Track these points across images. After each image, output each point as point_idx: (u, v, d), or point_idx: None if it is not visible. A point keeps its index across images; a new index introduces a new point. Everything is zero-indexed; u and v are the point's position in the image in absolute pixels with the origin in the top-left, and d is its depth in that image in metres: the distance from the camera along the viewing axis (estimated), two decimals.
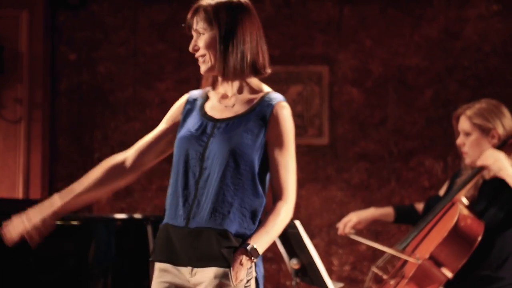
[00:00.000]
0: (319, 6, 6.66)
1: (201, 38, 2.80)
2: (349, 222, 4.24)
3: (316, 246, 3.75)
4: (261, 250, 2.68)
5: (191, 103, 2.95)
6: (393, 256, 4.00)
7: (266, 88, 2.85)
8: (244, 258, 2.65)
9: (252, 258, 2.66)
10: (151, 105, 6.69)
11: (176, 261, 2.76)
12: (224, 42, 2.75)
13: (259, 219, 2.75)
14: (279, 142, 2.74)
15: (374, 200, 6.52)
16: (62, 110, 6.71)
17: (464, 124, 3.92)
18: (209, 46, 2.79)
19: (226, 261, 2.66)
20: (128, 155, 2.96)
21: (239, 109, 2.80)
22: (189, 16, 2.83)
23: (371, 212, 4.28)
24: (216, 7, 2.77)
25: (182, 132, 2.84)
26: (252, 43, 2.78)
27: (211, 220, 2.70)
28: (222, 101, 2.86)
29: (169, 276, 2.78)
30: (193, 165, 2.77)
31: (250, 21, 2.79)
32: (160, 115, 6.59)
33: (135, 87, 6.73)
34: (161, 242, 2.80)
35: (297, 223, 3.62)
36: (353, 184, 6.57)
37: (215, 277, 2.67)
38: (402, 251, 3.86)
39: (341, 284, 3.98)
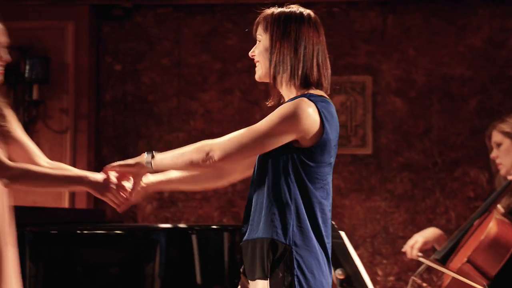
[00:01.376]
0: (362, 16, 6.66)
1: (257, 45, 2.80)
2: (415, 244, 4.04)
3: (360, 257, 3.75)
4: (156, 159, 2.78)
5: None
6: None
7: (308, 91, 2.75)
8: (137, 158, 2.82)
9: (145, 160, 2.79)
10: (195, 115, 6.73)
11: (244, 273, 2.83)
12: (274, 51, 2.73)
13: (296, 225, 2.68)
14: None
15: (419, 210, 6.49)
16: (107, 121, 6.77)
17: (495, 136, 3.98)
18: (261, 53, 2.78)
19: (263, 272, 2.66)
20: None
21: None
22: (255, 23, 2.84)
23: (435, 232, 4.11)
24: (274, 16, 2.76)
25: None
26: (306, 56, 2.72)
27: (249, 232, 2.74)
28: None
29: (242, 285, 2.86)
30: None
31: (308, 33, 2.74)
32: (204, 125, 6.68)
33: (179, 97, 6.77)
34: None
35: (342, 233, 3.63)
36: (397, 195, 6.54)
37: None
38: (467, 275, 3.82)
39: None
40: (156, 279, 4.35)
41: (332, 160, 2.75)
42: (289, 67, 2.72)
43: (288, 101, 2.71)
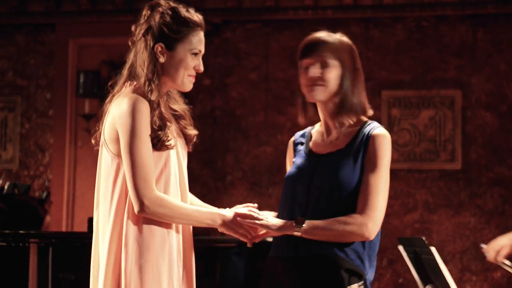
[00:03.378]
0: (452, 30, 6.60)
1: (328, 69, 2.92)
2: (502, 250, 3.79)
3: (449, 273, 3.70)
4: (307, 230, 2.74)
5: (298, 144, 3.05)
6: None
7: (365, 118, 2.93)
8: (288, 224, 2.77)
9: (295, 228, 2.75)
10: (282, 129, 6.76)
11: None
12: (347, 81, 2.89)
13: (364, 247, 2.81)
14: (372, 164, 2.80)
15: (510, 226, 6.37)
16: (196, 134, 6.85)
17: None
18: (336, 80, 2.91)
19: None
20: None
21: (341, 142, 2.88)
22: (311, 42, 2.99)
23: None
24: (342, 44, 2.95)
25: (291, 170, 2.95)
26: (363, 84, 2.95)
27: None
28: (325, 137, 2.95)
29: None
30: (299, 200, 2.85)
31: (360, 63, 2.96)
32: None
33: (266, 111, 6.81)
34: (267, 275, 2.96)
35: (433, 249, 3.59)
36: (487, 210, 6.45)
37: None
38: None
39: None
40: None
41: None
42: (357, 95, 2.90)
43: (364, 129, 2.87)
